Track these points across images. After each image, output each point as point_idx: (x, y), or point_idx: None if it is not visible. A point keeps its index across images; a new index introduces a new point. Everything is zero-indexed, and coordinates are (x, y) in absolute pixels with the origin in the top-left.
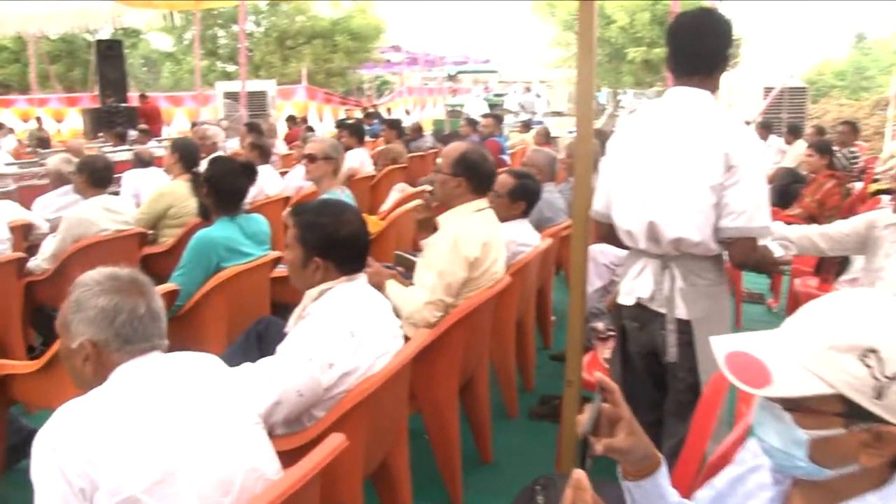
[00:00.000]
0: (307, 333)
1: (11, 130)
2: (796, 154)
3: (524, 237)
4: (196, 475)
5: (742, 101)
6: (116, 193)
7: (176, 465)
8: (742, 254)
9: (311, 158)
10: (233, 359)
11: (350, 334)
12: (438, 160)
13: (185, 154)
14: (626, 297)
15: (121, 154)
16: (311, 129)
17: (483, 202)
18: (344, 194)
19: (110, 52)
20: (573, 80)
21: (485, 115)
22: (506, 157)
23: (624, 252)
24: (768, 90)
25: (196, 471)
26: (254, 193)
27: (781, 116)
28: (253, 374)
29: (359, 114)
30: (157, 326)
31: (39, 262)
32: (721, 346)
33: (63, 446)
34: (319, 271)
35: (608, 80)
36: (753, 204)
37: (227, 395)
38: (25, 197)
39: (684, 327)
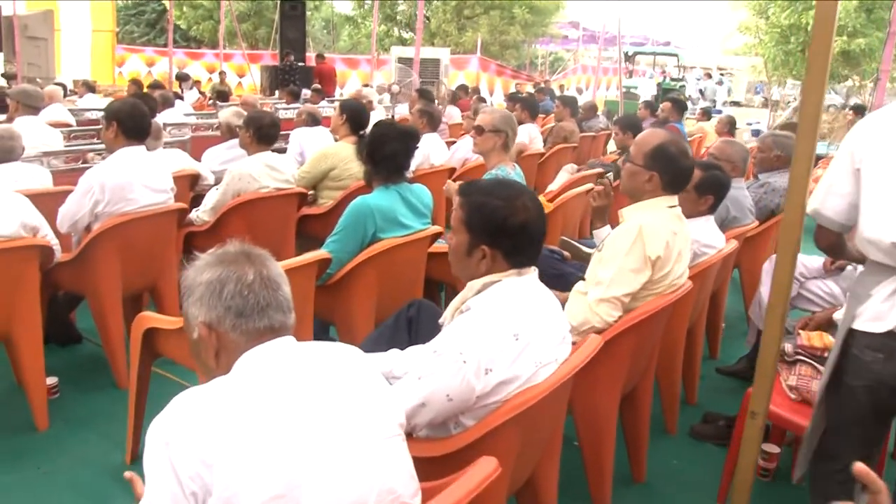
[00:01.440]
0: (465, 331)
1: (197, 83)
2: None
3: (709, 237)
4: (323, 492)
5: None
6: (283, 151)
7: (302, 479)
8: None
9: (479, 130)
10: (378, 343)
11: (513, 337)
12: (629, 147)
13: (353, 116)
14: (874, 325)
15: (291, 112)
16: (482, 99)
17: (674, 199)
18: (514, 172)
19: (293, 13)
20: (759, 69)
21: (665, 99)
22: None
23: (816, 263)
24: None
25: (324, 487)
26: (419, 161)
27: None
28: (400, 366)
29: (530, 88)
30: (273, 297)
31: (200, 213)
32: None
33: (177, 442)
34: (486, 261)
35: (797, 71)
36: None
37: (367, 400)
38: (198, 148)
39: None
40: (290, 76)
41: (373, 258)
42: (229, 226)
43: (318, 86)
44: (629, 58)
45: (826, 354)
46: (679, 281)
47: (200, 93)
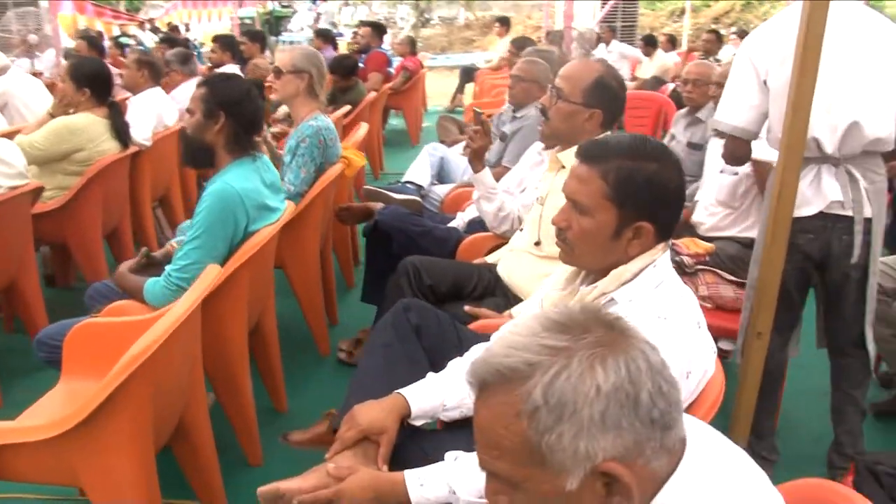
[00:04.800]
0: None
1: None
2: (661, 63)
3: None
4: None
5: (580, 10)
6: None
7: None
8: None
9: (276, 72)
10: (395, 364)
11: (697, 326)
12: (554, 83)
13: (95, 78)
14: (804, 210)
15: None
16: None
17: None
18: (325, 122)
19: None
20: None
21: (363, 24)
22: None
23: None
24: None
25: None
26: (154, 124)
27: (615, 25)
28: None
29: (135, 30)
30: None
31: None
32: None
33: None
34: (638, 241)
35: None
36: None
37: None
38: None
39: (867, 226)
40: None
41: (252, 259)
42: None
43: None
44: None
45: (708, 258)
46: None
47: None
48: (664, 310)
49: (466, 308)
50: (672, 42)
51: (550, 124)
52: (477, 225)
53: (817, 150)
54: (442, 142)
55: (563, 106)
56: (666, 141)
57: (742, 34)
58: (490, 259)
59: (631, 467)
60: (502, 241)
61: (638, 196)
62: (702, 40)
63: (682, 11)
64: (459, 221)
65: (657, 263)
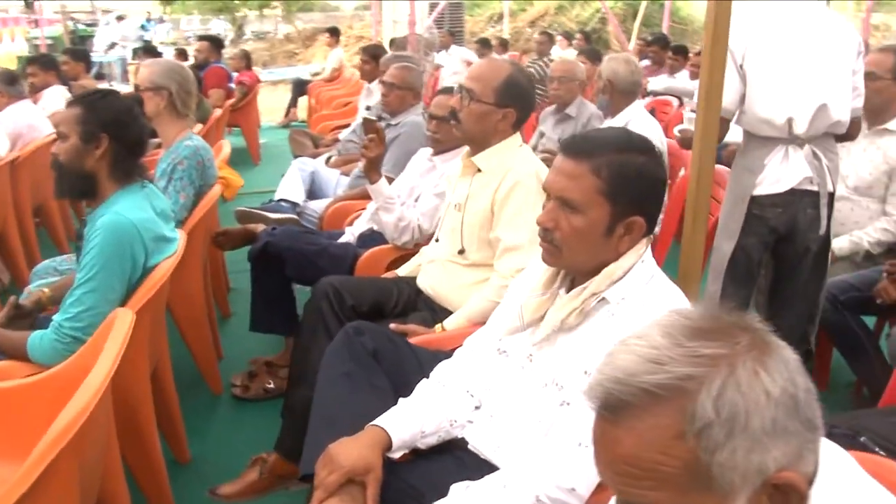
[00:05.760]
0: None
1: None
2: None
3: None
4: None
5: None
6: None
7: None
8: (857, 130)
9: (135, 89)
10: (357, 392)
11: None
12: (460, 84)
13: None
14: (775, 186)
15: None
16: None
17: (520, 137)
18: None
19: None
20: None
21: (200, 38)
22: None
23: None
24: (433, 5)
25: None
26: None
27: (443, 29)
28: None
29: None
30: None
31: None
32: None
33: None
34: (629, 237)
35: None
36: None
37: None
38: None
39: (830, 200)
40: None
41: (156, 297)
42: None
43: None
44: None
45: None
46: None
47: None
48: (664, 304)
49: (392, 326)
50: (503, 45)
51: (462, 127)
52: (369, 239)
53: (788, 130)
54: (297, 156)
55: (476, 107)
56: (535, 139)
57: (567, 36)
58: (402, 272)
59: (792, 475)
60: (404, 252)
61: (630, 190)
62: (535, 41)
63: (501, 16)
64: (349, 237)
65: (644, 258)
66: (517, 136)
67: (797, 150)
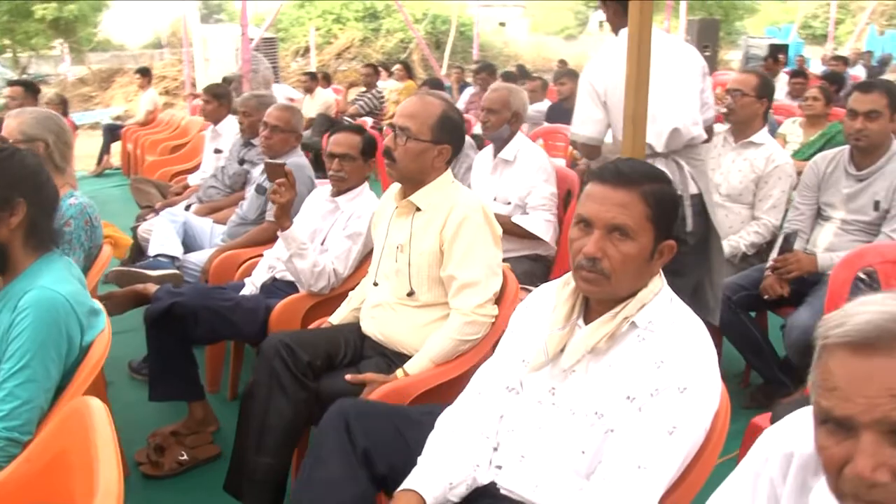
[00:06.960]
0: (688, 359)
1: None
2: (323, 100)
3: None
4: None
5: (220, 54)
6: None
7: None
8: (711, 133)
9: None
10: (350, 480)
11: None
12: (392, 123)
13: None
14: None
15: None
16: None
17: (451, 174)
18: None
19: None
20: None
21: (12, 83)
22: None
23: None
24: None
25: None
26: None
27: (259, 68)
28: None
29: None
30: None
31: None
32: None
33: None
34: (660, 260)
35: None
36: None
37: None
38: None
39: (697, 200)
40: None
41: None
42: None
43: None
44: None
45: None
46: None
47: None
48: (687, 327)
49: (348, 378)
50: (327, 79)
51: (398, 166)
52: (273, 288)
53: (650, 149)
54: (145, 208)
55: (413, 145)
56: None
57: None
58: (334, 320)
59: None
60: (319, 299)
61: (668, 215)
62: (361, 74)
63: (307, 49)
64: (251, 287)
65: (665, 284)
66: (449, 173)
67: (661, 162)
